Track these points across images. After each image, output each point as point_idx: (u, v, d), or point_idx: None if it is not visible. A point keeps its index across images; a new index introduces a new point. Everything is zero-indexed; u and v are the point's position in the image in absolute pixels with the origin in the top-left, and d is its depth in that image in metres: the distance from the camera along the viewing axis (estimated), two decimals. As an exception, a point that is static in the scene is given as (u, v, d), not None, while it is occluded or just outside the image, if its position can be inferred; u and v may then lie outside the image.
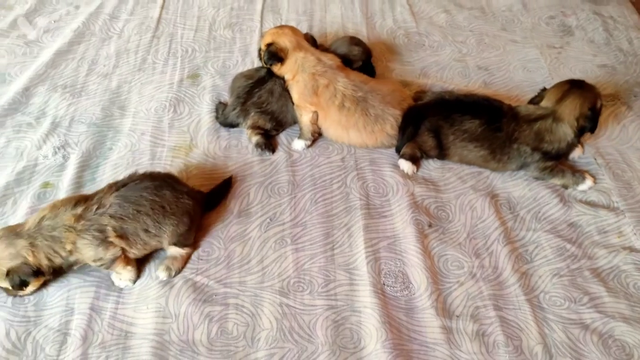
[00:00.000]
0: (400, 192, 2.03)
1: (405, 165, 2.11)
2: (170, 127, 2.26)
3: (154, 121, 2.28)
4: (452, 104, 2.10)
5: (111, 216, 1.64)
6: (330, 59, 2.18)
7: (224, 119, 2.24)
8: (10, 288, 1.61)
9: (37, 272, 1.60)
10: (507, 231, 1.92)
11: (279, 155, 2.17)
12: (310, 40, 2.28)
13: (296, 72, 2.14)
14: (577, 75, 2.56)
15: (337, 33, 2.79)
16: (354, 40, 2.39)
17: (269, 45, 2.17)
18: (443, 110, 2.09)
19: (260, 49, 2.24)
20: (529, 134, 2.01)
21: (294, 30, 2.22)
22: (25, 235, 1.59)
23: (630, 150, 2.21)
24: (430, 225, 1.93)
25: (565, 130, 1.99)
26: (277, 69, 2.19)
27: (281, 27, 2.24)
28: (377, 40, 2.74)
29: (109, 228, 1.64)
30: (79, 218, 1.62)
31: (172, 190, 1.74)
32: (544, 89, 2.13)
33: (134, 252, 1.72)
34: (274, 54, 2.15)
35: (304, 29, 2.81)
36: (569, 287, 1.76)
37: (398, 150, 2.15)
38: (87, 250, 1.63)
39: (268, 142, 2.18)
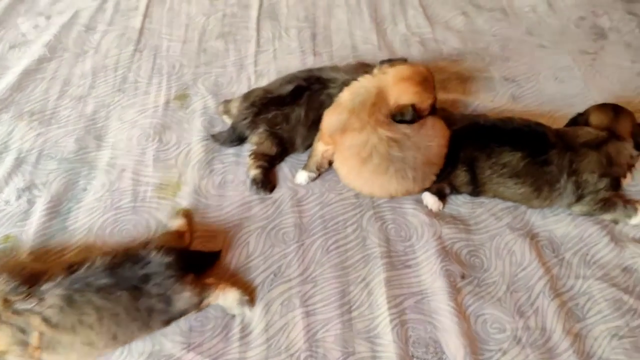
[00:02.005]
0: (425, 234, 1.73)
1: (430, 200, 1.81)
2: (156, 160, 1.94)
3: (136, 153, 1.96)
4: (489, 131, 1.80)
5: (44, 320, 1.30)
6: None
7: (232, 130, 1.95)
8: None
9: None
10: (553, 280, 1.63)
11: (283, 192, 1.86)
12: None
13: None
14: (615, 85, 2.29)
15: (344, 42, 2.48)
16: None
17: (412, 106, 1.71)
18: (478, 139, 1.80)
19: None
20: (597, 160, 1.74)
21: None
22: None
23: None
24: (463, 277, 1.63)
25: (629, 149, 1.78)
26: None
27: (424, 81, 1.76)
28: (390, 49, 2.44)
29: (35, 334, 1.29)
30: (8, 306, 1.30)
31: (132, 290, 1.37)
32: (579, 114, 1.92)
33: None
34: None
35: (306, 37, 2.51)
36: (632, 352, 1.47)
37: (422, 184, 1.84)
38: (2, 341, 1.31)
39: (266, 180, 1.86)
